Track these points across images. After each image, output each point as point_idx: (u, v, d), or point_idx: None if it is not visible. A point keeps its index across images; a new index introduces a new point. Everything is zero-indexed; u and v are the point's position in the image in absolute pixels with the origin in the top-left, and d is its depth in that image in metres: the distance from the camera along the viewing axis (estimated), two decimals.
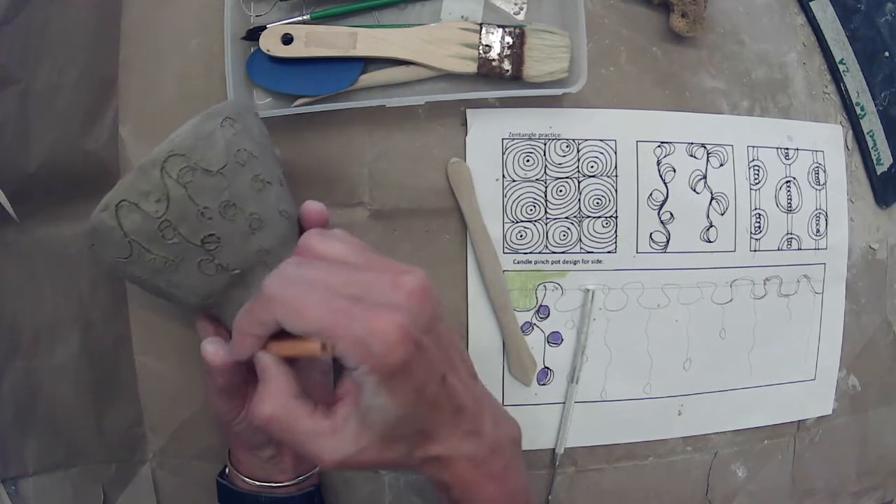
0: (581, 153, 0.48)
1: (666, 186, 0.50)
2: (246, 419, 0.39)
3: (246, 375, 0.38)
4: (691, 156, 0.50)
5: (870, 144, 0.55)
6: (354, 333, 0.30)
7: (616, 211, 0.49)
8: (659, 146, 0.50)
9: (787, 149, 0.52)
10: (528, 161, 0.48)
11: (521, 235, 0.48)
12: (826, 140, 0.54)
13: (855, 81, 0.54)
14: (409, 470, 0.36)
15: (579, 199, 0.49)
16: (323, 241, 0.35)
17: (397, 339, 0.30)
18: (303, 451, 0.33)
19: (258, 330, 0.33)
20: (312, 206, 0.39)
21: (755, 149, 0.52)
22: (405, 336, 0.30)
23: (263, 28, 0.44)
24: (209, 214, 0.34)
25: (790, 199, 0.52)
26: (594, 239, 0.49)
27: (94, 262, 0.36)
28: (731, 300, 0.52)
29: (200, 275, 0.36)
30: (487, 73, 0.45)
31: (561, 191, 0.48)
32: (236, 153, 0.35)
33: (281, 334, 0.33)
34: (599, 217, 0.49)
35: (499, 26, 0.45)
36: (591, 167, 0.49)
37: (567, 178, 0.48)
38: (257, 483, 0.42)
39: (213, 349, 0.37)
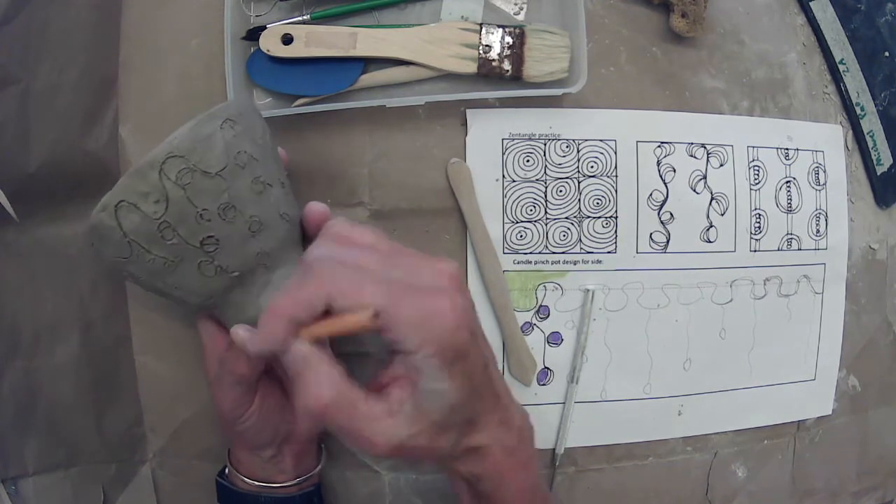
0: (581, 153, 0.48)
1: (666, 186, 0.50)
2: (252, 416, 0.39)
3: (262, 370, 0.38)
4: (691, 156, 0.50)
5: (870, 144, 0.55)
6: (416, 315, 0.30)
7: (616, 211, 0.49)
8: (659, 146, 0.50)
9: (787, 149, 0.52)
10: (528, 161, 0.48)
11: (521, 235, 0.48)
12: (826, 140, 0.54)
13: (855, 81, 0.54)
14: (445, 465, 0.36)
15: (579, 200, 0.49)
16: (351, 228, 0.34)
17: (459, 323, 0.30)
18: (357, 436, 0.31)
19: (303, 312, 0.31)
20: (316, 208, 0.39)
21: (755, 149, 0.52)
22: (464, 319, 0.30)
23: (263, 28, 0.44)
24: (208, 216, 0.34)
25: (790, 200, 0.52)
26: (594, 239, 0.49)
27: (96, 260, 0.36)
28: (731, 300, 0.52)
29: (200, 276, 0.36)
30: (487, 73, 0.45)
31: (561, 191, 0.48)
32: (236, 155, 0.35)
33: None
34: (599, 217, 0.49)
35: (499, 26, 0.45)
36: (591, 167, 0.49)
37: (567, 178, 0.48)
38: (257, 483, 0.42)
39: (249, 334, 0.35)
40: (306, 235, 0.40)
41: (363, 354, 0.45)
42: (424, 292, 0.31)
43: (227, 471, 0.44)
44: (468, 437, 0.34)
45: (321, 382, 0.31)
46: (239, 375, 0.38)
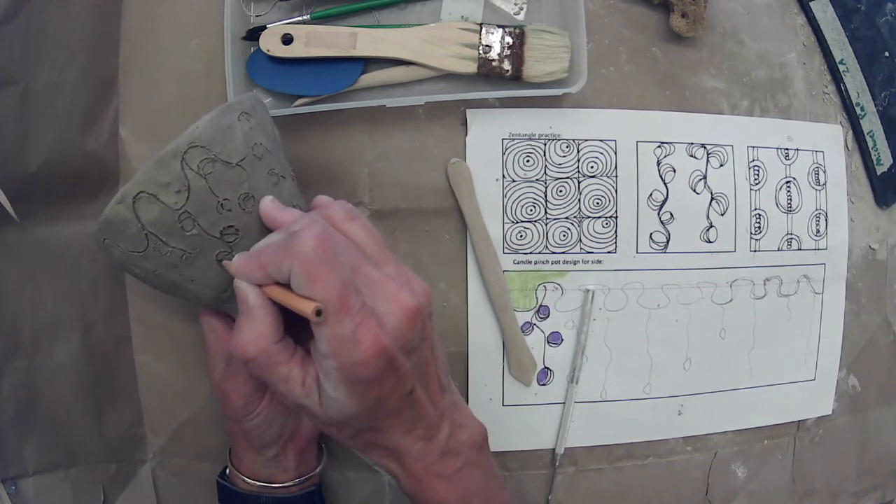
0: (581, 153, 0.48)
1: (666, 187, 0.50)
2: (262, 413, 0.39)
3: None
4: (691, 156, 0.50)
5: (870, 144, 0.55)
6: (344, 332, 0.31)
7: (616, 211, 0.49)
8: (659, 146, 0.50)
9: (787, 149, 0.52)
10: (528, 161, 0.48)
11: (521, 235, 0.48)
12: (826, 140, 0.54)
13: (855, 81, 0.54)
14: (354, 449, 0.38)
15: (579, 200, 0.49)
16: (348, 221, 0.35)
17: (372, 356, 0.31)
18: (270, 386, 0.34)
19: (272, 271, 0.33)
20: (325, 201, 0.39)
21: (755, 149, 0.52)
22: (381, 353, 0.31)
23: (263, 28, 0.44)
24: (229, 206, 0.34)
25: (790, 200, 0.52)
26: (594, 239, 0.49)
27: (104, 257, 0.36)
28: (731, 300, 0.52)
29: (218, 268, 0.36)
30: (487, 73, 0.45)
31: (561, 191, 0.48)
32: (253, 146, 0.36)
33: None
34: (599, 217, 0.49)
35: (499, 26, 0.45)
36: (591, 167, 0.49)
37: (567, 178, 0.48)
38: (259, 483, 0.42)
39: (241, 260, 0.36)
40: None
41: None
42: (365, 318, 0.32)
43: (227, 471, 0.44)
44: (370, 436, 0.35)
45: (251, 334, 0.33)
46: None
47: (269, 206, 0.36)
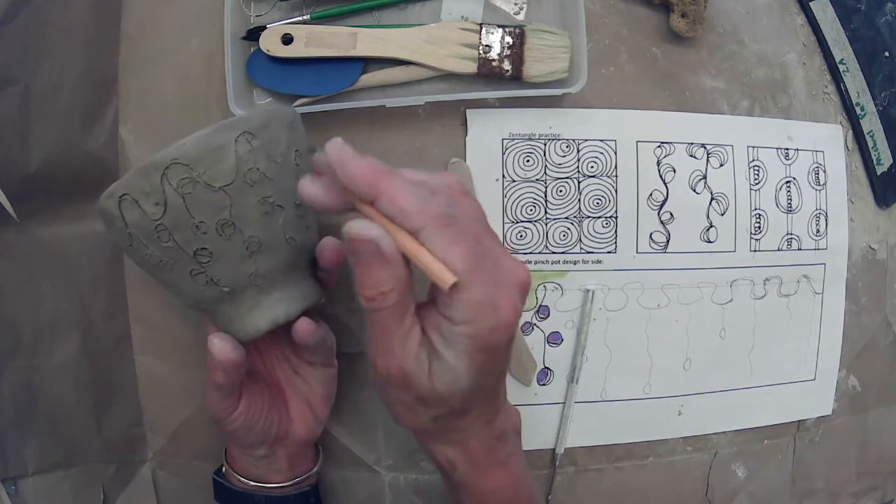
0: (581, 153, 0.48)
1: (666, 186, 0.50)
2: (239, 419, 0.39)
3: (244, 376, 0.39)
4: (691, 156, 0.50)
5: (870, 144, 0.55)
6: (482, 299, 0.29)
7: (616, 211, 0.49)
8: (659, 146, 0.50)
9: (787, 149, 0.52)
10: (528, 161, 0.48)
11: (521, 235, 0.48)
12: (826, 140, 0.54)
13: (855, 81, 0.54)
14: (424, 440, 0.36)
15: (579, 200, 0.49)
16: (464, 196, 0.32)
17: (511, 322, 0.30)
18: (381, 341, 0.31)
19: (414, 210, 0.29)
20: (330, 243, 0.38)
21: (755, 149, 0.51)
22: (514, 325, 0.31)
23: (263, 28, 0.44)
24: (204, 229, 0.33)
25: (790, 200, 0.52)
26: (594, 239, 0.49)
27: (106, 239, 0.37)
28: (731, 300, 0.52)
29: (192, 282, 0.35)
30: (487, 73, 0.45)
31: (561, 191, 0.48)
32: (247, 172, 0.33)
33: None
34: (599, 217, 0.49)
35: (499, 26, 0.45)
36: (591, 167, 0.49)
37: (567, 178, 0.48)
38: (252, 483, 0.42)
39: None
40: (318, 264, 0.39)
41: (364, 354, 0.45)
42: (499, 283, 0.30)
43: (223, 469, 0.44)
44: (454, 420, 0.34)
45: (391, 280, 0.29)
46: (216, 383, 0.38)
47: (337, 145, 0.30)
